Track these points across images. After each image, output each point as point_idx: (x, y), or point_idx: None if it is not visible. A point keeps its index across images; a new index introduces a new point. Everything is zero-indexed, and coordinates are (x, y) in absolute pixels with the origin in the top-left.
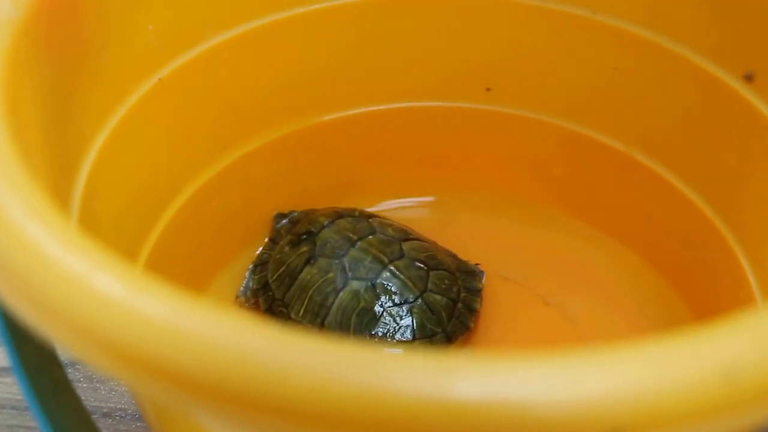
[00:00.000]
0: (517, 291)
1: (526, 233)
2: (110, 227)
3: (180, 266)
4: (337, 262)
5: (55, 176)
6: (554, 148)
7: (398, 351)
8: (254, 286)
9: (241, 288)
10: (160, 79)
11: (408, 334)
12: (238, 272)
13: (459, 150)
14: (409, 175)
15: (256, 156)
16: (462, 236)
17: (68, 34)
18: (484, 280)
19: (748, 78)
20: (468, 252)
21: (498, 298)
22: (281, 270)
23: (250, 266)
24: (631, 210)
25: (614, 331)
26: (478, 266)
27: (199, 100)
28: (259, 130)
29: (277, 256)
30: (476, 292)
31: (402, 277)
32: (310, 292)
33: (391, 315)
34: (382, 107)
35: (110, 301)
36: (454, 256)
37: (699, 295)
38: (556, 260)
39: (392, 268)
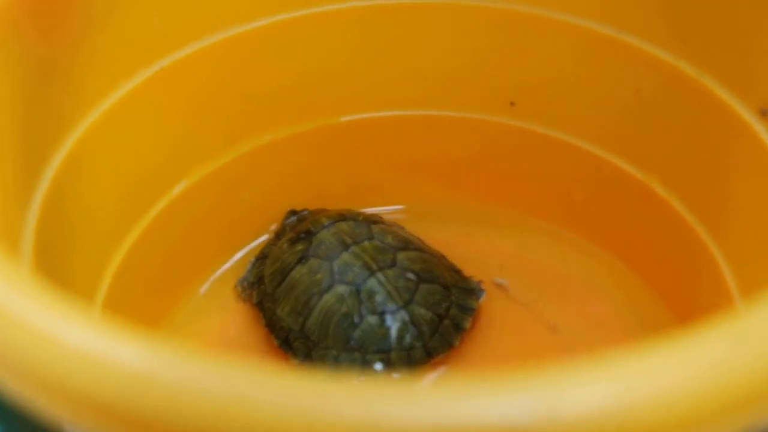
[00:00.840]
0: (519, 314)
1: (538, 253)
2: (96, 211)
3: (182, 255)
4: (327, 264)
5: (25, 164)
6: (572, 169)
7: (377, 365)
8: (251, 279)
9: (240, 278)
10: (162, 67)
11: (385, 345)
12: (242, 263)
13: (476, 162)
14: (425, 182)
15: (268, 151)
16: (468, 247)
17: (59, 15)
18: (482, 300)
19: (764, 113)
20: (468, 264)
21: (497, 317)
22: (276, 266)
23: (252, 258)
24: (621, 224)
25: (603, 347)
26: (481, 284)
27: (204, 93)
28: (270, 127)
29: (276, 252)
30: (468, 311)
31: (388, 286)
32: (297, 290)
33: (370, 323)
34: (402, 113)
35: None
36: (457, 272)
37: (682, 302)
38: (562, 280)
39: (380, 276)
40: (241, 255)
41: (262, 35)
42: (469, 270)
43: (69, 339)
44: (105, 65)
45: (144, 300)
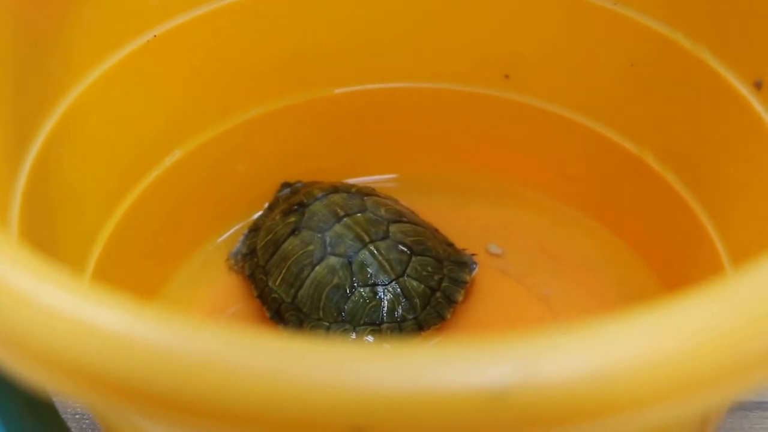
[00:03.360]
0: (511, 285)
1: (531, 225)
2: (86, 180)
3: (174, 227)
4: (319, 235)
5: (15, 130)
6: (566, 142)
7: (368, 337)
8: (244, 251)
9: (233, 250)
10: (155, 36)
11: (376, 317)
12: (237, 234)
13: (470, 134)
14: (418, 153)
15: (262, 123)
16: (463, 219)
17: None
18: (474, 273)
19: (758, 86)
20: (460, 235)
21: (489, 289)
22: (268, 237)
23: (245, 231)
24: (614, 196)
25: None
26: (474, 257)
27: (198, 63)
28: (264, 98)
29: (268, 224)
30: (460, 283)
31: (380, 258)
32: (289, 262)
33: (362, 295)
34: (396, 85)
35: (57, 315)
36: (450, 245)
37: (673, 274)
38: (555, 251)
39: (372, 248)
40: (236, 228)
41: (257, 6)
42: (462, 242)
43: (51, 302)
44: (98, 32)
45: (136, 270)
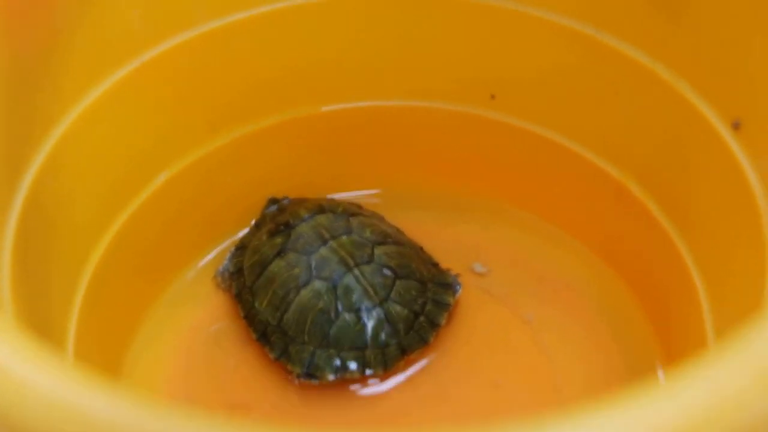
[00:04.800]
0: (495, 307)
1: (516, 244)
2: (78, 206)
3: (164, 246)
4: (305, 258)
5: (5, 165)
6: (551, 163)
7: (352, 364)
8: (231, 269)
9: (220, 268)
10: (143, 63)
11: (360, 342)
12: (226, 251)
13: (456, 152)
14: (404, 170)
15: (249, 142)
16: (448, 236)
17: (35, 12)
18: (458, 295)
19: (735, 126)
20: (445, 253)
21: (472, 310)
22: (255, 258)
23: (232, 249)
24: (598, 219)
25: (576, 341)
26: (458, 277)
27: (185, 86)
28: (251, 117)
29: (255, 243)
30: (444, 306)
31: (364, 283)
32: (275, 285)
33: (346, 320)
34: (382, 103)
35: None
36: (435, 265)
37: (652, 297)
38: (539, 271)
39: (357, 272)
40: (224, 246)
41: (242, 28)
42: (447, 260)
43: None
44: (85, 62)
45: (126, 290)
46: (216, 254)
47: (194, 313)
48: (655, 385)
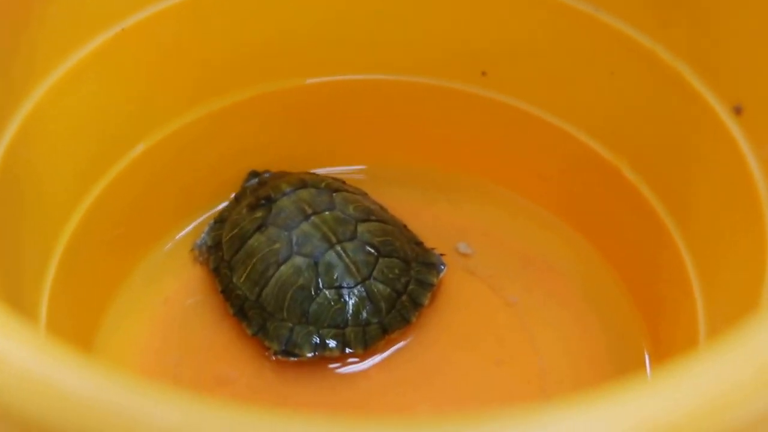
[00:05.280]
0: (479, 288)
1: (503, 225)
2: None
3: (141, 218)
4: (285, 233)
5: None
6: (542, 144)
7: (331, 342)
8: (209, 243)
9: (198, 241)
10: (123, 29)
11: (340, 320)
12: (205, 224)
13: (444, 130)
14: (388, 147)
15: (231, 113)
16: (433, 215)
17: None
18: (442, 275)
19: (737, 111)
20: (429, 232)
21: (456, 291)
22: (234, 231)
23: (211, 222)
24: (588, 202)
25: (561, 327)
26: (442, 257)
27: (165, 53)
28: (234, 88)
29: (234, 217)
30: (427, 286)
31: (346, 260)
32: (254, 259)
33: (327, 297)
34: (369, 77)
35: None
36: (419, 244)
37: (641, 284)
38: (525, 253)
39: (339, 248)
40: (201, 219)
41: None
42: (431, 239)
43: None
44: (62, 29)
45: (101, 263)
46: (194, 227)
47: (170, 286)
48: (643, 378)
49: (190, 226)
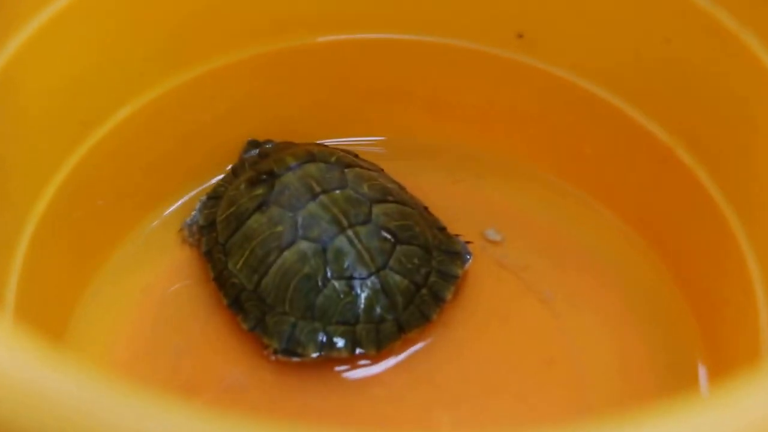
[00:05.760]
0: (510, 282)
1: (538, 209)
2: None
3: (123, 192)
4: (290, 214)
5: None
6: (585, 118)
7: (339, 340)
8: (201, 222)
9: (188, 220)
10: None
11: (350, 315)
12: (196, 200)
13: (473, 99)
14: (410, 117)
15: (231, 74)
16: (458, 196)
17: None
18: (468, 265)
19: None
20: (453, 216)
21: (483, 285)
22: (231, 210)
23: (203, 197)
24: (635, 187)
25: (604, 329)
26: (468, 245)
27: (149, 5)
28: (234, 44)
29: (232, 193)
30: (450, 278)
31: (359, 246)
32: (253, 243)
33: (335, 289)
34: (390, 36)
35: None
36: (442, 230)
37: (694, 281)
38: (563, 243)
39: (350, 233)
40: (195, 193)
41: None
42: (455, 224)
43: None
44: None
45: (78, 241)
46: (183, 203)
47: (155, 270)
48: (698, 395)
49: (180, 202)
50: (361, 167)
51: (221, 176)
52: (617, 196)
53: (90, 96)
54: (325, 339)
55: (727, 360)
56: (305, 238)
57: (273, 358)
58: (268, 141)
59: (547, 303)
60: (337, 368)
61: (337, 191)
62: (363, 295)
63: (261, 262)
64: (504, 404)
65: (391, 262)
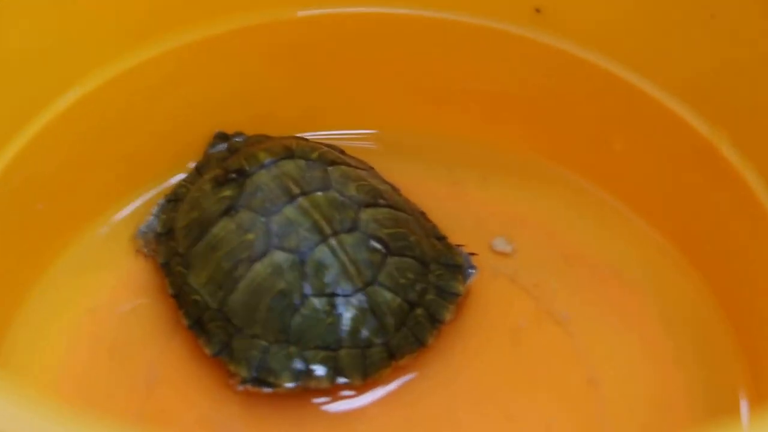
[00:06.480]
0: (520, 300)
1: (554, 215)
2: None
3: (66, 191)
4: (263, 220)
5: None
6: (613, 108)
7: (318, 368)
8: (158, 229)
9: (143, 226)
10: None
11: (332, 339)
12: (153, 203)
13: (482, 85)
14: (405, 106)
15: (196, 52)
16: (461, 200)
17: None
18: (471, 281)
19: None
20: (455, 223)
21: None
22: (193, 215)
23: (161, 200)
24: (670, 188)
25: (629, 356)
26: (472, 257)
27: None
28: (201, 18)
29: (195, 195)
30: (450, 297)
31: (343, 258)
32: (219, 254)
33: (315, 308)
34: (383, 10)
35: None
36: (441, 239)
37: (743, 312)
38: (583, 254)
39: (333, 242)
40: (151, 195)
41: None
42: (458, 233)
43: None
44: None
45: (13, 249)
46: (138, 206)
47: (103, 285)
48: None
49: (133, 205)
50: (348, 165)
51: (183, 175)
52: (651, 201)
53: (32, 76)
54: (302, 366)
55: None
56: (280, 247)
57: (240, 388)
58: (239, 133)
59: (565, 326)
60: (316, 400)
61: (319, 193)
62: (347, 315)
63: (228, 276)
64: None
65: (381, 277)
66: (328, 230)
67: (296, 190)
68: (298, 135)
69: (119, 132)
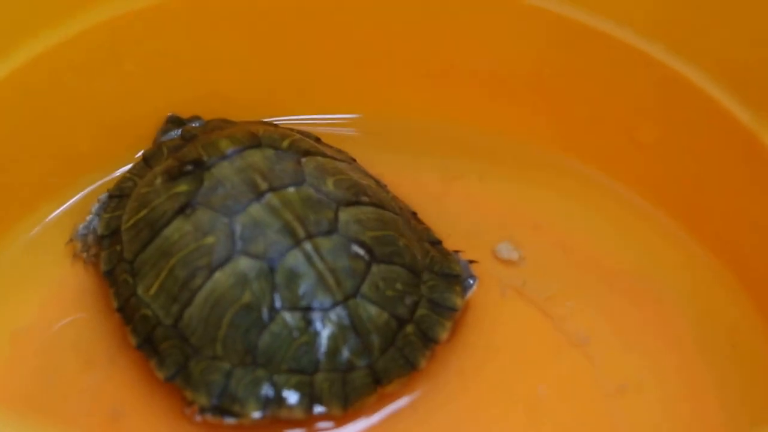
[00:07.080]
0: (528, 315)
1: (570, 217)
2: None
3: None
4: (225, 220)
5: None
6: (642, 92)
7: (291, 394)
8: (100, 231)
9: (81, 226)
10: None
11: (307, 361)
12: (93, 199)
13: (484, 63)
14: (393, 87)
15: (146, 18)
16: (459, 198)
17: None
18: (471, 293)
19: None
20: (453, 225)
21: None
22: (141, 214)
23: (103, 196)
24: (708, 188)
25: (659, 380)
26: (472, 265)
27: None
28: None
29: (143, 190)
30: (446, 312)
31: (320, 265)
32: (173, 261)
33: (287, 325)
34: None
35: None
36: (435, 244)
37: None
38: (603, 263)
39: (308, 247)
40: (91, 190)
41: None
42: (455, 238)
43: None
44: None
45: None
46: (75, 202)
47: (33, 299)
48: None
49: (70, 202)
50: (325, 156)
51: (129, 166)
52: (682, 200)
53: None
54: (271, 393)
55: None
56: (245, 253)
57: (199, 418)
58: (195, 117)
59: (583, 348)
60: None
61: (291, 189)
62: (324, 333)
63: (183, 286)
64: None
65: (365, 288)
66: (301, 233)
67: (264, 186)
68: (266, 120)
69: (51, 116)
